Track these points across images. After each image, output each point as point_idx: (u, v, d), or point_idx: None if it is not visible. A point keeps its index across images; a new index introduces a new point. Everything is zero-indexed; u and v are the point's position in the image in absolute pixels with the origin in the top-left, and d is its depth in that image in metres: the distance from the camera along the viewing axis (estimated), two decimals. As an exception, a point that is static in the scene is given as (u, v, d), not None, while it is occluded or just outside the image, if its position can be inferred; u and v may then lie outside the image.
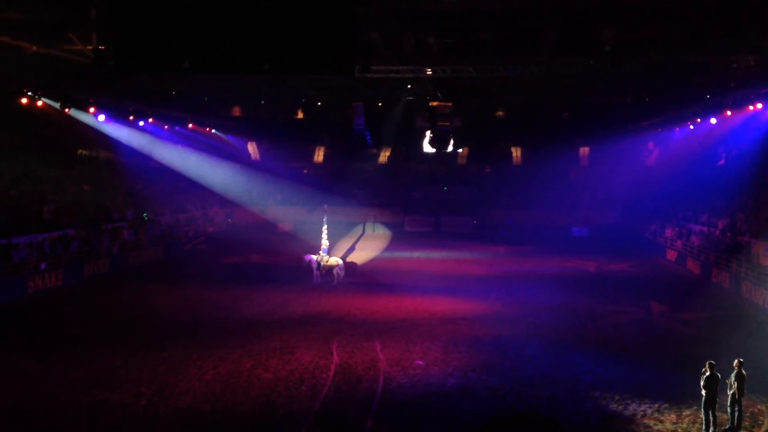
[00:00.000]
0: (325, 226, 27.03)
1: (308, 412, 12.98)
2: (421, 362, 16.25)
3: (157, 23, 11.79)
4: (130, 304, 23.21)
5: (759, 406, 13.19)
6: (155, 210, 37.43)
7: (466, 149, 49.32)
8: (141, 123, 35.97)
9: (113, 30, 12.99)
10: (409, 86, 29.94)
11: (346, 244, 37.13)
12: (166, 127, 39.27)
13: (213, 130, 44.28)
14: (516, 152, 50.50)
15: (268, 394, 13.93)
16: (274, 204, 46.72)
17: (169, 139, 40.26)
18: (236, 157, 46.81)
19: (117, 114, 33.54)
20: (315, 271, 26.36)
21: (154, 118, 36.67)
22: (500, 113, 40.97)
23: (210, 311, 21.80)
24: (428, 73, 24.83)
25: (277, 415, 12.91)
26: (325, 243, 26.86)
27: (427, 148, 34.40)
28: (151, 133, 38.10)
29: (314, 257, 26.62)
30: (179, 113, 38.68)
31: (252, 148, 50.08)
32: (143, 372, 15.31)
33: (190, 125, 41.11)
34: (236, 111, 41.66)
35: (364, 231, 44.64)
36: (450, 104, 29.60)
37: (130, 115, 34.56)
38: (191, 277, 28.26)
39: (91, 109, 31.04)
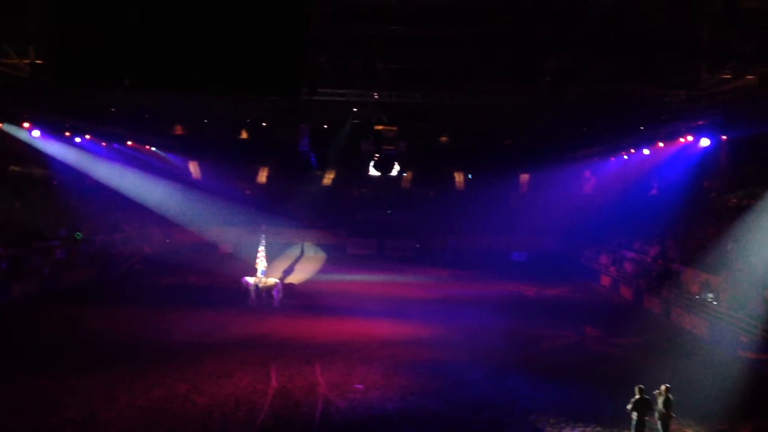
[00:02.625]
0: (262, 247, 26.72)
1: (245, 437, 12.73)
2: (360, 386, 16.18)
3: (97, 39, 11.54)
4: (61, 325, 22.37)
5: (687, 430, 13.61)
6: (89, 229, 36.33)
7: (411, 173, 49.76)
8: (77, 139, 34.99)
9: (51, 44, 12.65)
10: (355, 110, 30.10)
11: (285, 266, 36.82)
12: (103, 144, 38.28)
13: (153, 148, 43.40)
14: (459, 177, 51.21)
15: (203, 420, 13.60)
16: (215, 224, 45.96)
17: (107, 157, 39.22)
18: (176, 176, 45.89)
19: (53, 130, 32.53)
20: (252, 294, 26.00)
21: (91, 135, 35.72)
22: (444, 138, 41.51)
23: (145, 334, 21.22)
24: (375, 97, 25.05)
25: (213, 441, 12.62)
26: (262, 265, 26.53)
27: (372, 171, 34.59)
28: (87, 149, 37.07)
29: (251, 280, 26.25)
30: (118, 130, 37.79)
31: (193, 167, 49.26)
32: (72, 397, 14.75)
33: (129, 143, 40.21)
34: (178, 129, 40.94)
35: (302, 252, 44.36)
36: (395, 128, 29.89)
37: (66, 131, 33.57)
38: (126, 298, 27.48)
39: (26, 124, 30.02)
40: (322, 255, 44.21)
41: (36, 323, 22.78)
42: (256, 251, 26.93)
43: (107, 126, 36.04)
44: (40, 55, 18.32)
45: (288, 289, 27.88)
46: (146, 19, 11.49)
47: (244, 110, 33.07)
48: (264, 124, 37.00)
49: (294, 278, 33.37)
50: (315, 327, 22.71)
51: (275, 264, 33.43)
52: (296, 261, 40.84)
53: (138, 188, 40.48)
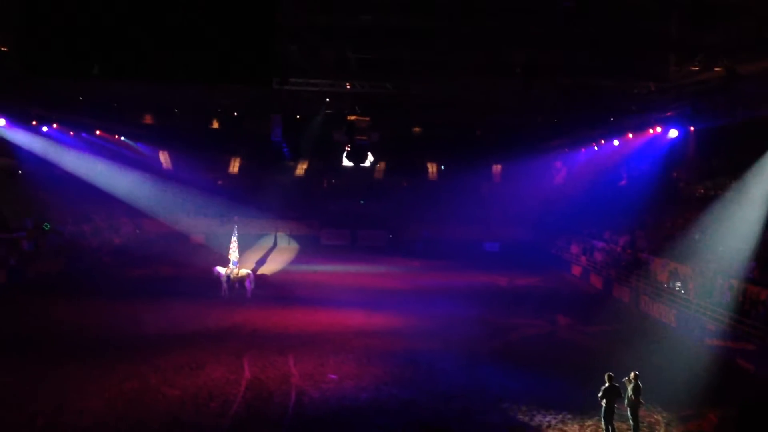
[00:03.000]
0: (234, 238, 26.58)
1: (217, 429, 12.68)
2: (334, 376, 16.20)
3: (66, 26, 11.30)
4: (28, 317, 21.98)
5: (656, 416, 13.88)
6: (57, 220, 35.71)
7: (383, 164, 49.76)
8: (45, 128, 34.32)
9: (19, 32, 12.36)
10: (327, 100, 29.98)
11: (257, 256, 36.64)
12: (71, 133, 37.62)
13: (122, 138, 42.75)
14: (432, 168, 51.37)
15: (176, 412, 13.50)
16: (186, 215, 45.50)
17: (75, 146, 38.56)
18: (146, 166, 45.27)
19: (18, 119, 31.84)
20: (224, 285, 25.84)
21: (58, 124, 35.06)
22: (417, 129, 41.59)
23: (114, 326, 20.95)
24: (347, 87, 24.97)
25: (185, 432, 12.54)
26: (234, 255, 26.42)
27: (345, 161, 34.54)
28: (55, 139, 36.39)
29: (222, 270, 26.09)
30: (86, 119, 37.13)
31: (164, 157, 48.65)
32: (40, 389, 14.54)
33: (98, 132, 39.55)
34: (148, 119, 40.38)
35: (275, 243, 44.16)
36: (368, 119, 29.87)
37: (33, 120, 32.90)
38: (95, 290, 27.11)
39: (-10, 113, 29.36)
40: (295, 246, 44.08)
41: (3, 316, 22.34)
42: (229, 242, 26.75)
43: (75, 115, 35.44)
44: (5, 42, 17.93)
45: (261, 280, 27.78)
46: (114, 9, 11.29)
47: (214, 100, 32.76)
48: (235, 113, 36.71)
49: (267, 269, 33.27)
50: (288, 318, 22.66)
51: (248, 255, 33.27)
52: (269, 252, 40.66)
53: (107, 178, 39.85)
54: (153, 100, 33.56)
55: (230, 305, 24.26)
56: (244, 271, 26.45)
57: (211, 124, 40.30)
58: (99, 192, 39.40)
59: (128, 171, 42.07)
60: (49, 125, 34.46)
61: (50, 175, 37.23)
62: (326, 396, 14.78)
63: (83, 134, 38.90)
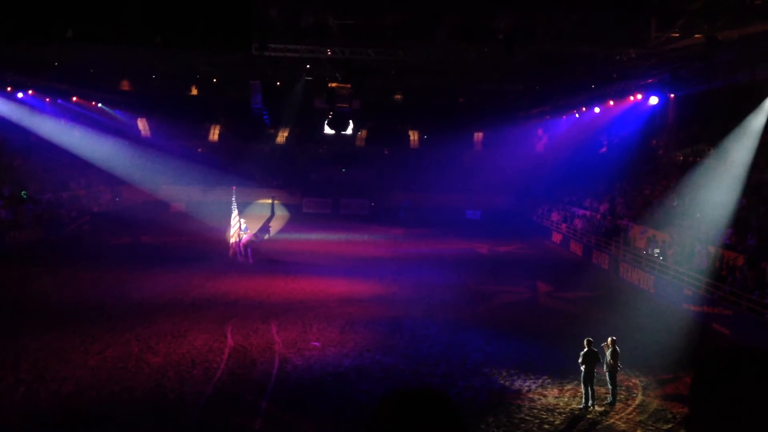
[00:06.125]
0: (234, 207, 26.83)
1: (200, 396, 12.71)
2: (317, 344, 16.28)
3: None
4: (6, 287, 21.75)
5: (633, 380, 14.13)
6: (35, 187, 35.21)
7: (365, 131, 49.51)
8: (20, 95, 33.63)
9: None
10: (308, 66, 29.64)
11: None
12: (47, 99, 36.91)
13: (99, 105, 42.04)
14: (413, 135, 51.21)
15: (158, 379, 13.51)
16: (166, 183, 45.06)
17: (51, 113, 37.90)
18: (124, 134, 44.65)
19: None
20: (250, 251, 26.79)
21: (34, 90, 34.37)
22: (398, 96, 41.34)
23: (95, 295, 20.81)
24: (327, 53, 24.67)
25: (168, 399, 12.56)
26: (243, 222, 27.26)
27: (327, 129, 34.28)
28: (31, 105, 35.71)
29: (241, 239, 26.77)
30: (62, 85, 36.43)
31: (142, 125, 47.99)
32: (22, 358, 14.45)
33: (75, 99, 38.84)
34: (125, 85, 39.71)
35: (273, 212, 43.99)
36: (349, 86, 29.58)
37: (8, 86, 32.22)
38: (75, 259, 26.88)
39: (-37, 79, 28.70)
40: (286, 214, 43.86)
41: (-19, 285, 22.13)
42: (228, 211, 27.33)
43: (51, 81, 34.74)
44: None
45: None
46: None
47: (192, 66, 32.26)
48: (214, 80, 36.20)
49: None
50: (271, 286, 22.67)
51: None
52: (268, 220, 40.49)
53: (85, 146, 39.27)
54: (130, 66, 32.97)
55: (214, 273, 24.19)
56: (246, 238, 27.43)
57: (190, 90, 39.74)
58: (77, 159, 38.90)
59: (106, 138, 41.49)
60: (25, 91, 33.80)
61: (27, 143, 36.64)
62: (309, 363, 14.85)
63: (59, 101, 38.22)
